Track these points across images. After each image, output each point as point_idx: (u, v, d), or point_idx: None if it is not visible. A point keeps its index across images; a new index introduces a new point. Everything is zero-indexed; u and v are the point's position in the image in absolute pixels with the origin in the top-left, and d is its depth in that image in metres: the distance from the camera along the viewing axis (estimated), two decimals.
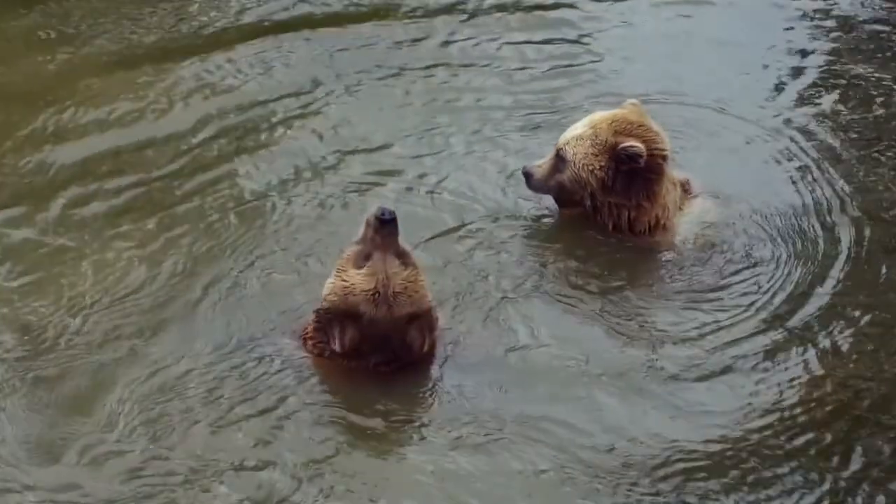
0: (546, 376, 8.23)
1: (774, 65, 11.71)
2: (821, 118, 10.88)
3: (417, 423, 7.91)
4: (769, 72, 11.59)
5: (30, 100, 10.80)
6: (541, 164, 9.52)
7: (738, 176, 10.04)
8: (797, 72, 11.62)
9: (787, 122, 10.80)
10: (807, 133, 10.63)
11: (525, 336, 8.53)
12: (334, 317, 8.01)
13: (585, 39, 12.12)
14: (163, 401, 7.91)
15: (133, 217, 9.50)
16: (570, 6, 12.64)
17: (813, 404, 8.03)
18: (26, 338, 8.33)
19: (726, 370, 8.30)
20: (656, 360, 8.38)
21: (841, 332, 8.57)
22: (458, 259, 9.16)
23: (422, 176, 10.02)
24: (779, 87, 11.37)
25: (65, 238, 9.27)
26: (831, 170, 10.12)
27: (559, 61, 11.73)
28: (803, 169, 10.18)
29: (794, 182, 10.04)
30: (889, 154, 10.41)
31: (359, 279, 7.94)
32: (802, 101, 11.19)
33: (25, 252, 9.13)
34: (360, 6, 12.51)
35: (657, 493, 7.44)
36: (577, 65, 11.70)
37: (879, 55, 11.96)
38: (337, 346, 8.02)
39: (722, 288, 9.00)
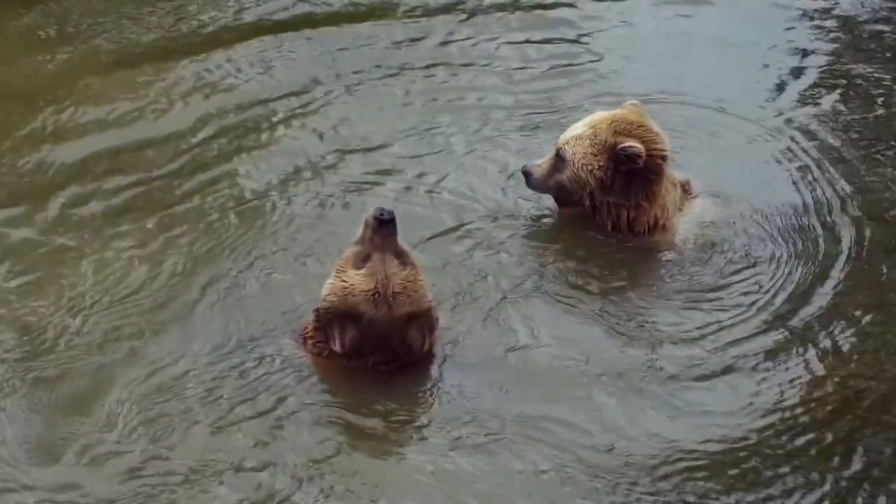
0: (546, 376, 8.23)
1: (775, 64, 11.70)
2: (821, 118, 10.88)
3: (417, 423, 7.90)
4: (770, 71, 11.59)
5: (29, 99, 10.79)
6: (540, 164, 9.52)
7: (739, 176, 10.03)
8: (798, 71, 11.61)
9: (788, 121, 10.79)
10: (807, 133, 10.63)
11: (525, 336, 8.52)
12: (334, 317, 8.01)
13: (585, 39, 12.11)
14: (162, 401, 7.90)
15: (132, 217, 9.50)
16: (570, 5, 12.63)
17: (814, 404, 8.03)
18: (25, 338, 8.32)
19: (727, 370, 8.30)
20: (656, 359, 8.38)
21: (842, 332, 8.57)
22: (457, 259, 9.15)
23: (421, 175, 10.01)
24: (779, 87, 11.36)
25: (64, 238, 9.26)
26: (832, 170, 10.12)
27: (559, 61, 11.72)
28: (804, 169, 10.17)
29: (794, 182, 10.03)
30: (890, 154, 10.41)
31: (358, 279, 7.94)
32: (803, 100, 11.18)
33: (25, 252, 9.12)
34: (360, 5, 12.50)
35: (657, 493, 7.45)
36: (577, 64, 11.69)
37: (880, 55, 11.95)
38: (337, 347, 8.02)
39: (722, 288, 8.99)
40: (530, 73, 11.50)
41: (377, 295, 7.90)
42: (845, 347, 8.46)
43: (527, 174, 9.53)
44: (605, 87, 11.24)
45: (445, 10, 12.48)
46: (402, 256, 7.99)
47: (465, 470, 7.55)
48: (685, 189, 9.60)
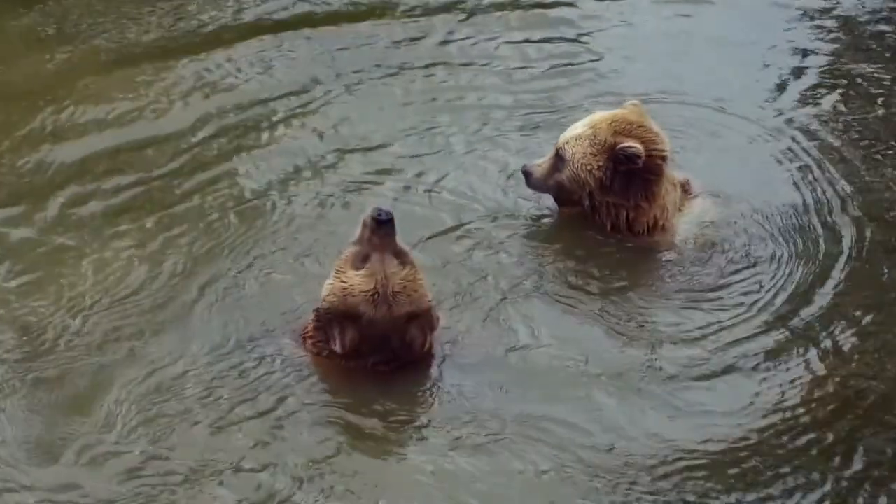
0: (546, 376, 8.23)
1: (775, 64, 11.69)
2: (822, 118, 10.87)
3: (417, 423, 7.90)
4: (770, 71, 11.57)
5: (29, 99, 10.78)
6: (540, 163, 9.52)
7: (739, 176, 10.02)
8: (798, 71, 11.60)
9: (788, 121, 10.78)
10: (808, 133, 10.62)
11: (525, 336, 8.52)
12: (334, 317, 8.00)
13: (585, 38, 12.10)
14: (162, 401, 7.90)
15: (132, 216, 9.49)
16: (570, 5, 12.62)
17: (814, 404, 8.03)
18: (25, 338, 8.32)
19: (727, 370, 8.29)
20: (656, 359, 8.38)
21: (842, 332, 8.57)
22: (457, 259, 9.15)
23: (421, 175, 10.01)
24: (779, 87, 11.35)
25: (64, 237, 9.26)
26: (832, 169, 10.11)
27: (559, 60, 11.71)
28: (804, 168, 10.16)
29: (794, 182, 10.02)
30: (890, 154, 10.39)
31: (358, 280, 7.93)
32: (803, 100, 11.17)
33: (24, 251, 9.12)
34: (359, 5, 12.49)
35: (657, 493, 7.44)
36: (577, 64, 11.68)
37: (881, 54, 11.94)
38: (337, 347, 8.01)
39: (723, 287, 8.99)
40: (530, 73, 11.49)
41: (377, 295, 7.89)
42: (846, 347, 8.46)
43: (527, 174, 9.53)
44: (605, 86, 11.23)
45: (445, 9, 12.47)
46: (401, 256, 7.99)
47: (464, 470, 7.55)
48: (685, 189, 9.59)
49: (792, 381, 8.19)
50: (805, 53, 11.89)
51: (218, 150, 10.27)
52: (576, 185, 9.34)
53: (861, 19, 12.52)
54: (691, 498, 7.44)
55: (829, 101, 11.15)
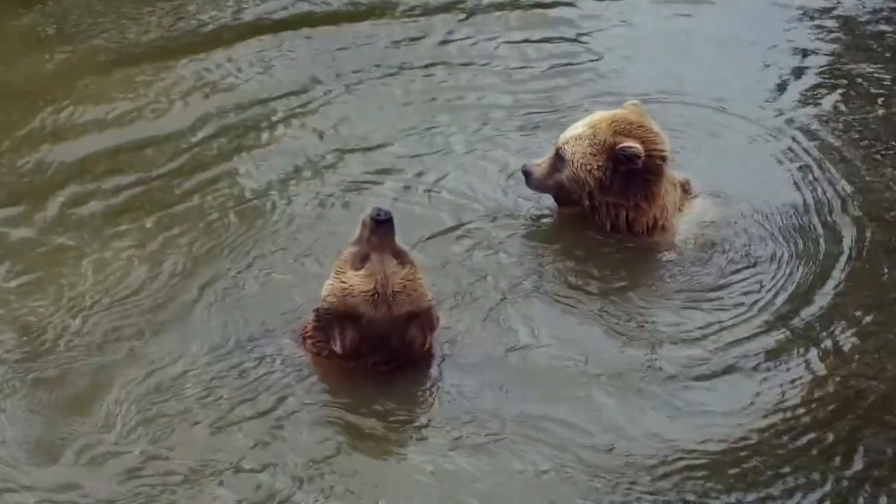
0: (546, 376, 8.23)
1: (775, 64, 11.68)
2: (822, 118, 10.86)
3: (417, 423, 7.90)
4: (770, 71, 11.56)
5: (28, 99, 10.77)
6: (540, 163, 9.51)
7: (739, 176, 10.02)
8: (798, 71, 11.60)
9: (789, 121, 10.77)
10: (808, 133, 10.61)
11: (524, 336, 8.52)
12: (334, 318, 8.00)
13: (585, 38, 12.09)
14: (161, 401, 7.90)
15: (132, 216, 9.49)
16: (570, 4, 12.61)
17: (815, 404, 8.03)
18: (25, 338, 8.32)
19: (727, 370, 8.29)
20: (656, 359, 8.38)
21: (843, 332, 8.56)
22: (456, 259, 9.15)
23: (421, 175, 10.00)
24: (780, 87, 11.34)
25: (63, 237, 9.25)
26: (832, 169, 10.10)
27: (558, 60, 11.70)
28: (804, 169, 10.16)
29: (795, 182, 10.01)
30: (890, 154, 10.39)
31: (357, 280, 7.93)
32: (803, 100, 11.16)
33: (24, 251, 9.12)
34: (359, 5, 12.48)
35: (657, 493, 7.45)
36: (577, 64, 11.67)
37: (881, 54, 11.94)
38: (337, 348, 8.00)
39: (723, 287, 8.99)
40: (530, 73, 11.49)
41: (377, 295, 7.89)
42: (846, 347, 8.46)
43: (527, 174, 9.53)
44: (605, 86, 11.23)
45: (445, 9, 12.46)
46: (400, 256, 7.98)
47: (464, 470, 7.55)
48: (685, 189, 9.59)
49: (792, 381, 8.19)
50: (805, 53, 11.88)
51: (218, 150, 10.27)
52: (575, 185, 9.34)
53: (861, 19, 12.51)
54: (691, 498, 7.44)
55: (830, 101, 11.15)
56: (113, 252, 9.10)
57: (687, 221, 9.48)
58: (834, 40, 12.17)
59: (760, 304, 8.81)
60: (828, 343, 8.48)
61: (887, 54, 11.94)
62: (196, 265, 8.98)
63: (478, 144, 10.37)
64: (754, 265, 9.17)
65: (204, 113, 10.69)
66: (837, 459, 7.64)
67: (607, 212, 9.35)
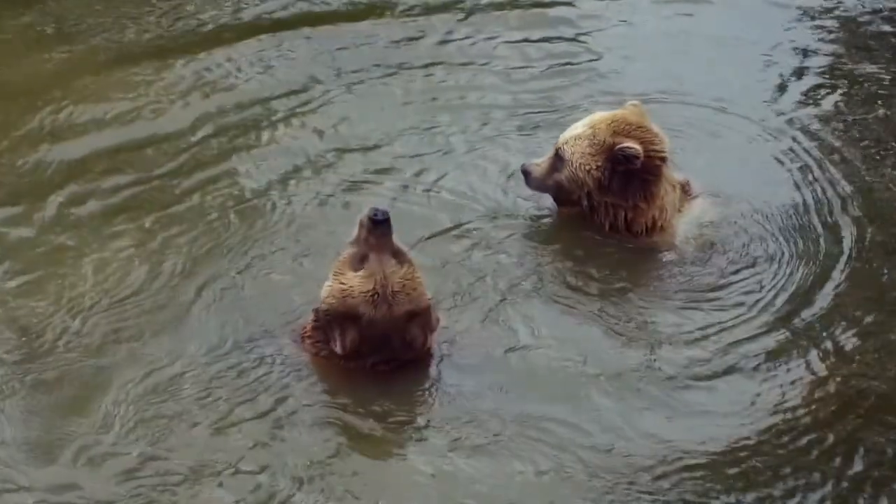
0: (545, 377, 8.23)
1: (776, 64, 11.66)
2: (823, 118, 10.85)
3: (416, 424, 7.90)
4: (770, 71, 11.55)
5: (28, 98, 10.76)
6: (540, 163, 9.51)
7: (739, 175, 10.01)
8: (799, 71, 11.58)
9: (789, 121, 10.76)
10: (808, 133, 10.60)
11: (524, 336, 8.51)
12: (334, 319, 7.99)
13: (584, 38, 12.08)
14: (160, 402, 7.90)
15: (131, 216, 9.48)
16: (569, 4, 12.60)
17: (815, 404, 8.02)
18: (24, 339, 8.31)
19: (728, 370, 8.29)
20: (656, 360, 8.38)
21: (843, 332, 8.56)
22: (456, 259, 9.14)
23: (420, 175, 10.00)
24: (780, 87, 11.33)
25: (62, 237, 9.24)
26: (833, 170, 10.09)
27: (558, 60, 11.69)
28: (805, 169, 10.15)
29: (795, 182, 10.00)
30: (891, 154, 10.38)
31: (357, 281, 7.92)
32: (804, 100, 11.15)
33: (22, 251, 9.11)
34: (359, 4, 12.47)
35: (657, 493, 7.45)
36: (576, 63, 11.66)
37: (882, 54, 11.92)
38: (338, 349, 7.99)
39: (723, 288, 8.98)
40: (529, 73, 11.47)
41: (376, 295, 7.88)
42: (847, 347, 8.45)
43: (526, 173, 9.52)
44: (605, 86, 11.22)
45: (444, 8, 12.45)
46: (398, 255, 7.98)
47: (464, 471, 7.55)
48: (685, 190, 9.58)
49: (792, 382, 8.19)
50: (806, 53, 11.87)
51: (217, 150, 10.26)
52: (574, 185, 9.34)
53: (862, 19, 12.50)
54: (691, 498, 7.45)
55: (830, 101, 11.13)
56: (112, 252, 9.09)
57: (686, 222, 9.47)
58: (834, 40, 12.16)
59: (760, 304, 8.80)
60: (828, 343, 8.47)
61: (888, 54, 11.92)
62: (195, 265, 8.97)
63: (478, 144, 10.36)
64: (754, 265, 9.16)
65: (203, 112, 10.68)
66: (838, 460, 7.64)
67: (606, 212, 9.35)
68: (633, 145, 9.10)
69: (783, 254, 9.25)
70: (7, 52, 11.49)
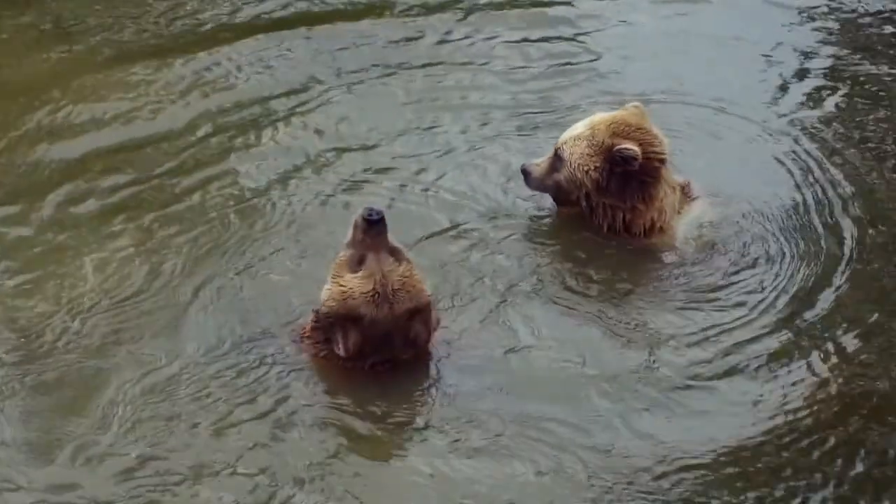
0: (545, 378, 8.23)
1: (776, 64, 11.67)
2: (823, 118, 10.86)
3: (416, 425, 7.89)
4: (771, 71, 11.55)
5: (26, 98, 10.75)
6: (539, 163, 9.51)
7: (739, 176, 10.00)
8: (799, 71, 11.59)
9: (790, 121, 10.76)
10: (809, 133, 10.60)
11: (523, 337, 8.51)
12: (335, 321, 7.97)
13: (584, 38, 12.08)
14: (159, 402, 7.89)
15: (130, 215, 9.47)
16: (568, 4, 12.61)
17: (817, 405, 8.02)
18: (23, 339, 8.31)
19: (728, 371, 8.28)
20: (656, 361, 8.38)
21: (845, 333, 8.56)
22: (455, 259, 9.14)
23: (420, 175, 9.99)
24: (780, 87, 11.33)
25: (61, 237, 9.24)
26: (834, 170, 10.09)
27: (557, 60, 11.69)
28: (805, 169, 10.14)
29: (796, 182, 9.99)
30: (892, 155, 10.38)
31: (356, 283, 7.91)
32: (805, 100, 11.15)
33: (21, 251, 9.11)
34: (358, 4, 12.47)
35: (657, 493, 7.45)
36: (576, 63, 11.66)
37: (883, 54, 11.92)
38: (341, 351, 7.98)
39: (724, 288, 8.97)
40: (529, 73, 11.47)
41: (377, 295, 7.87)
42: (848, 348, 8.45)
43: (525, 173, 9.52)
44: (604, 86, 11.22)
45: (443, 8, 12.44)
46: (395, 253, 7.98)
47: (463, 471, 7.55)
48: (685, 192, 9.57)
49: (794, 383, 8.18)
50: (806, 53, 11.87)
51: (216, 150, 10.25)
52: (573, 186, 9.33)
53: (863, 20, 12.50)
54: (691, 498, 7.44)
55: (831, 101, 11.13)
56: (111, 252, 9.08)
57: (686, 223, 9.46)
58: (835, 41, 12.16)
59: (761, 305, 8.79)
60: (829, 344, 8.47)
61: (889, 54, 11.93)
62: (195, 265, 8.96)
63: (477, 144, 10.36)
64: (755, 266, 9.16)
65: (202, 112, 10.68)
66: (839, 461, 7.64)
67: (604, 213, 9.34)
68: (631, 147, 9.09)
69: (784, 254, 9.24)
70: (6, 52, 11.48)
